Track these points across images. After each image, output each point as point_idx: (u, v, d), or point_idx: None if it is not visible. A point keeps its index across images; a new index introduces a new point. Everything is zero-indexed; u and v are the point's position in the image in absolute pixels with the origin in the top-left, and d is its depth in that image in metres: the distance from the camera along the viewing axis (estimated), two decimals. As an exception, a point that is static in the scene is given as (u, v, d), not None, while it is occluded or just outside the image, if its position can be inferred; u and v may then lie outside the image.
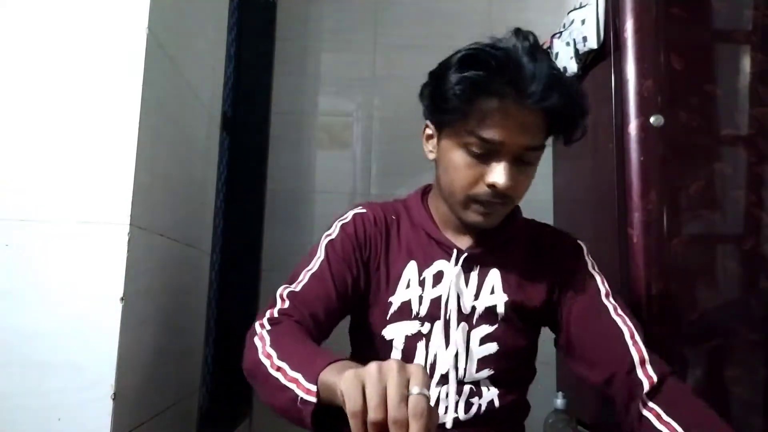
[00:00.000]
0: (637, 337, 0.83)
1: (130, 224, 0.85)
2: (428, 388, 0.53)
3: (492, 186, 0.81)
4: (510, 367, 0.91)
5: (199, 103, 1.21)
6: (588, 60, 1.53)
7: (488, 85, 0.77)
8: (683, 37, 1.32)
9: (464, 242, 0.93)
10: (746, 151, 1.29)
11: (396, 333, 0.89)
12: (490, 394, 0.89)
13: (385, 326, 0.90)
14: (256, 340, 0.78)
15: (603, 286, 0.91)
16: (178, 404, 1.14)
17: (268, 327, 0.79)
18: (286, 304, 0.84)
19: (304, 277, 0.87)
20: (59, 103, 0.86)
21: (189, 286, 1.22)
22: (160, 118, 0.97)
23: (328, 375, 0.62)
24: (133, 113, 0.87)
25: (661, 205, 1.26)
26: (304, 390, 0.64)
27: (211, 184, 1.36)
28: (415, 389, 0.52)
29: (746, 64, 1.33)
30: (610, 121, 1.38)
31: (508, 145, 0.79)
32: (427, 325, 0.89)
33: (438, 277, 0.90)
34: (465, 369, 0.88)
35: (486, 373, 0.89)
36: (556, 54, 1.67)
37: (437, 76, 0.85)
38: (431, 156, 0.92)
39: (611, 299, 0.89)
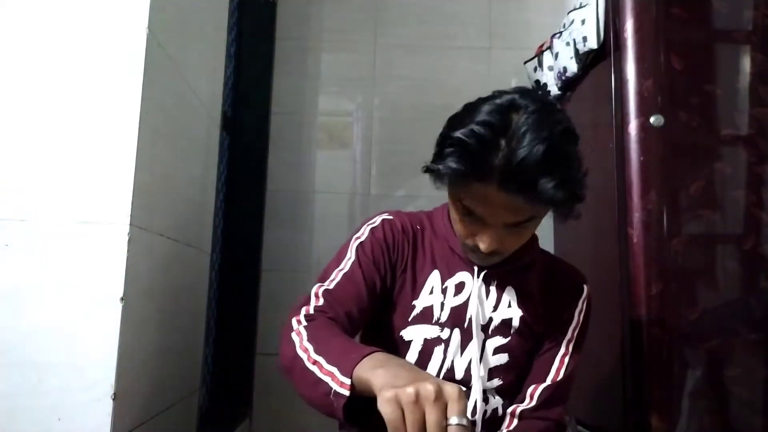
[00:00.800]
0: (543, 387, 0.93)
1: (130, 224, 0.85)
2: (465, 413, 0.55)
3: (477, 248, 0.84)
4: (516, 379, 0.95)
5: (199, 102, 1.21)
6: (588, 60, 1.54)
7: (473, 174, 0.77)
8: (683, 37, 1.32)
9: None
10: (746, 151, 1.29)
11: (415, 335, 0.92)
12: (496, 402, 0.93)
13: (405, 327, 0.93)
14: (293, 335, 0.78)
15: (572, 332, 0.96)
16: (178, 404, 1.14)
17: (304, 323, 0.81)
18: (321, 301, 0.85)
19: (337, 276, 0.90)
20: (59, 103, 0.86)
21: (189, 286, 1.22)
22: (160, 118, 0.97)
23: (362, 370, 0.64)
24: (133, 113, 0.87)
25: (661, 204, 1.26)
26: (339, 383, 0.66)
27: (211, 184, 1.36)
28: (453, 420, 0.54)
29: (746, 64, 1.33)
30: (610, 121, 1.38)
31: (490, 222, 0.80)
32: (447, 331, 0.92)
33: (459, 287, 0.93)
34: (477, 376, 0.91)
35: (496, 382, 0.92)
36: (557, 54, 1.67)
37: (439, 141, 0.85)
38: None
39: (569, 345, 0.96)
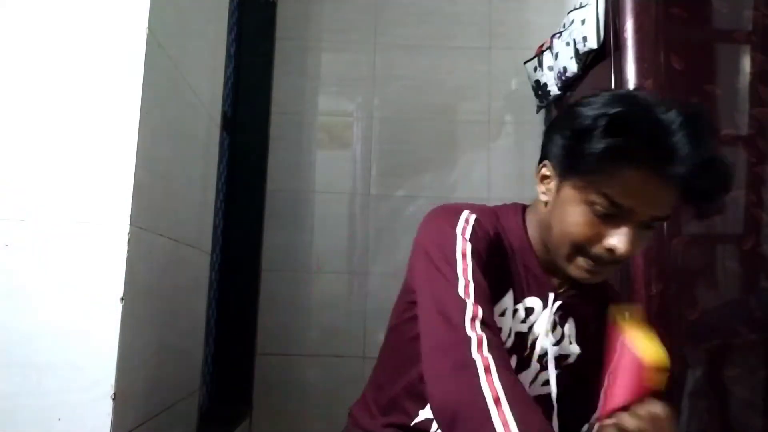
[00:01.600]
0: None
1: (130, 224, 0.85)
2: None
3: (610, 250, 0.75)
4: (553, 412, 0.88)
5: (199, 102, 1.21)
6: (588, 60, 1.54)
7: (633, 155, 0.71)
8: (683, 37, 1.32)
9: (555, 280, 0.88)
10: (746, 151, 1.29)
11: None
12: None
13: None
14: (480, 366, 0.67)
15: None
16: (178, 404, 1.14)
17: (487, 352, 0.68)
18: (479, 310, 0.73)
19: (468, 290, 0.75)
20: (59, 103, 0.86)
21: (189, 286, 1.22)
22: (160, 118, 0.97)
23: None
24: (133, 113, 0.87)
25: (661, 205, 1.26)
26: None
27: (211, 184, 1.36)
28: None
29: (746, 64, 1.33)
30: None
31: (638, 214, 0.74)
32: (514, 357, 0.84)
33: (528, 312, 0.86)
34: None
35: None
36: (557, 54, 1.67)
37: (579, 128, 0.75)
38: (544, 198, 0.84)
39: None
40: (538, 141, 0.88)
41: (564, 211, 0.78)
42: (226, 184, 1.86)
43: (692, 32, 1.34)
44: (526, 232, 0.87)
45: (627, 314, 0.66)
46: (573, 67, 1.59)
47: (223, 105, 1.49)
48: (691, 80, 1.31)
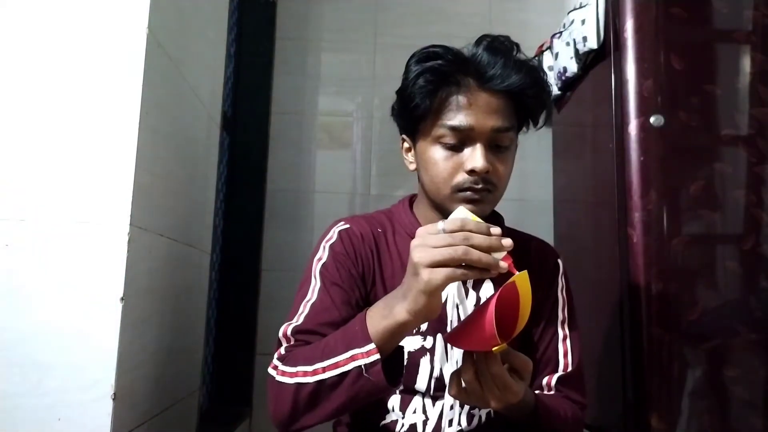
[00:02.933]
0: (555, 378, 0.91)
1: (130, 224, 0.85)
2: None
3: (472, 171, 0.82)
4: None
5: (199, 102, 1.21)
6: (588, 60, 1.54)
7: (447, 74, 0.81)
8: (683, 37, 1.32)
9: None
10: (746, 151, 1.30)
11: None
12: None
13: None
14: (280, 379, 0.76)
15: (563, 312, 0.95)
16: (178, 404, 1.14)
17: (280, 364, 0.79)
18: (292, 341, 0.83)
19: (305, 308, 0.85)
20: (59, 103, 0.86)
21: (189, 286, 1.22)
22: (160, 118, 0.97)
23: (375, 324, 0.66)
24: (133, 113, 0.87)
25: (661, 204, 1.26)
26: (364, 355, 0.66)
27: (211, 184, 1.36)
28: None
29: (746, 64, 1.33)
30: (610, 121, 1.38)
31: (477, 129, 0.81)
32: (430, 339, 0.88)
33: None
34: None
35: None
36: (557, 54, 1.67)
37: (402, 88, 0.88)
38: (412, 167, 0.93)
39: (564, 327, 0.94)
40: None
41: (425, 159, 0.86)
42: (226, 184, 1.86)
43: (692, 32, 1.34)
44: (414, 216, 0.94)
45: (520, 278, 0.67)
46: (573, 67, 1.59)
47: (223, 105, 1.49)
48: (691, 80, 1.31)
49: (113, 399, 0.81)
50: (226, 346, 1.79)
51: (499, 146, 0.84)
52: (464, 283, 0.90)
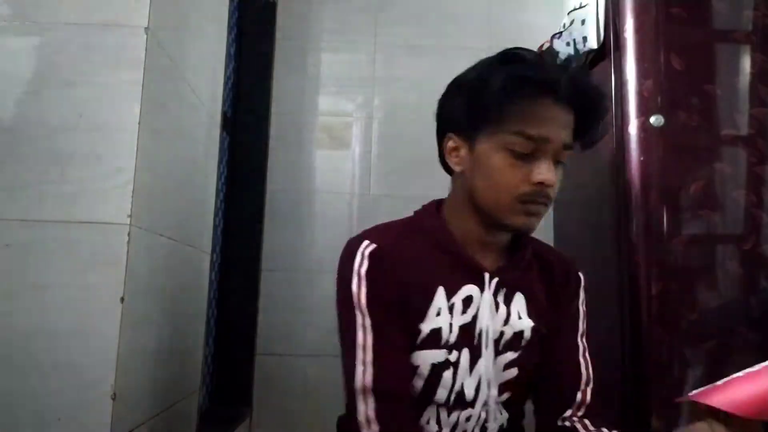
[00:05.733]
0: (589, 387, 0.89)
1: (130, 224, 0.85)
2: None
3: (539, 183, 0.79)
4: (524, 391, 0.91)
5: (199, 102, 1.21)
6: (588, 60, 1.54)
7: (531, 82, 0.78)
8: (683, 37, 1.32)
9: (489, 261, 0.89)
10: (746, 151, 1.30)
11: (422, 361, 0.84)
12: (502, 418, 0.89)
13: (412, 352, 0.84)
14: None
15: (582, 325, 0.93)
16: (177, 404, 1.14)
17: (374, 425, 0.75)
18: (371, 405, 0.77)
19: (365, 356, 0.79)
20: (60, 103, 0.86)
21: (189, 286, 1.22)
22: (160, 118, 0.97)
23: None
24: (134, 113, 0.87)
25: (660, 204, 1.26)
26: None
27: (211, 184, 1.36)
28: None
29: (746, 64, 1.33)
30: (611, 120, 1.38)
31: (552, 141, 0.80)
32: (455, 353, 0.84)
33: (467, 302, 0.85)
34: (488, 394, 0.86)
35: (505, 396, 0.88)
36: (557, 54, 1.67)
37: (474, 82, 0.83)
38: (458, 168, 0.87)
39: (584, 340, 0.92)
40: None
41: (487, 165, 0.82)
42: (226, 184, 1.86)
43: (692, 32, 1.34)
44: (445, 224, 0.89)
45: None
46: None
47: (223, 105, 1.49)
48: (691, 80, 1.31)
49: (113, 399, 0.81)
50: (226, 347, 1.79)
51: (558, 161, 0.83)
52: (495, 297, 0.86)
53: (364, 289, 0.82)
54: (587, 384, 0.89)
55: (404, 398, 0.79)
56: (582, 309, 0.94)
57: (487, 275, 0.86)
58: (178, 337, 1.15)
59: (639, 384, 1.24)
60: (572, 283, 0.94)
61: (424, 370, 0.84)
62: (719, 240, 1.27)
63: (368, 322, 0.81)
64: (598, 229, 1.47)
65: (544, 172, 0.79)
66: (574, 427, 0.86)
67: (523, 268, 0.90)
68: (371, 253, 0.84)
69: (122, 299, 0.83)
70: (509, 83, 0.78)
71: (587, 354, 0.92)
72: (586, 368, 0.90)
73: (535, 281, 0.91)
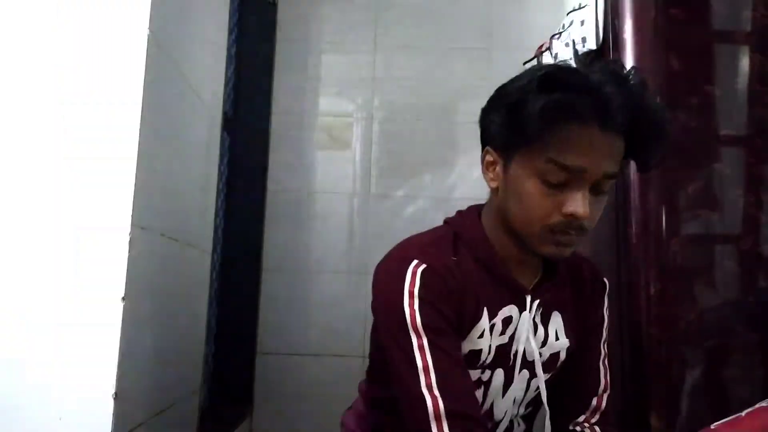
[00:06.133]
0: (606, 394, 0.88)
1: (132, 224, 0.86)
2: None
3: (570, 216, 0.73)
4: (539, 406, 0.89)
5: (200, 103, 1.22)
6: (587, 61, 1.54)
7: (572, 109, 0.71)
8: (682, 38, 1.33)
9: (526, 278, 0.85)
10: (745, 151, 1.30)
11: None
12: (519, 429, 0.89)
13: None
14: None
15: (605, 332, 0.91)
16: (178, 403, 1.15)
17: None
18: (446, 425, 0.72)
19: (429, 376, 0.74)
20: (61, 104, 0.87)
21: (190, 286, 1.22)
22: (161, 119, 0.97)
23: None
24: (135, 114, 0.87)
25: (659, 204, 1.26)
26: None
27: (212, 184, 1.36)
28: None
29: (745, 64, 1.33)
30: (610, 121, 1.38)
31: (590, 172, 0.72)
32: (488, 372, 0.82)
33: (506, 323, 0.82)
34: (516, 413, 0.86)
35: (528, 411, 0.88)
36: (556, 55, 1.68)
37: (513, 100, 0.76)
38: (493, 185, 0.82)
39: (605, 347, 0.90)
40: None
41: (518, 189, 0.77)
42: (227, 184, 1.87)
43: (691, 33, 1.34)
44: (486, 237, 0.84)
45: None
46: (572, 68, 1.59)
47: (224, 105, 1.50)
48: (690, 81, 1.31)
49: (114, 398, 0.82)
50: (227, 346, 1.79)
51: (600, 190, 0.76)
52: (533, 318, 0.83)
53: (418, 309, 0.76)
54: (605, 390, 0.88)
55: (476, 416, 0.75)
56: (606, 315, 0.92)
57: (528, 297, 0.83)
58: (179, 336, 1.15)
59: (638, 384, 1.24)
60: (598, 291, 0.92)
61: None
62: (718, 240, 1.28)
63: (426, 343, 0.75)
64: (598, 229, 1.47)
65: (579, 204, 0.73)
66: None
67: (558, 285, 0.87)
68: (423, 272, 0.78)
69: (123, 298, 0.84)
70: (548, 108, 0.71)
71: (606, 361, 0.90)
72: (605, 375, 0.89)
73: (569, 297, 0.88)
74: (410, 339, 0.75)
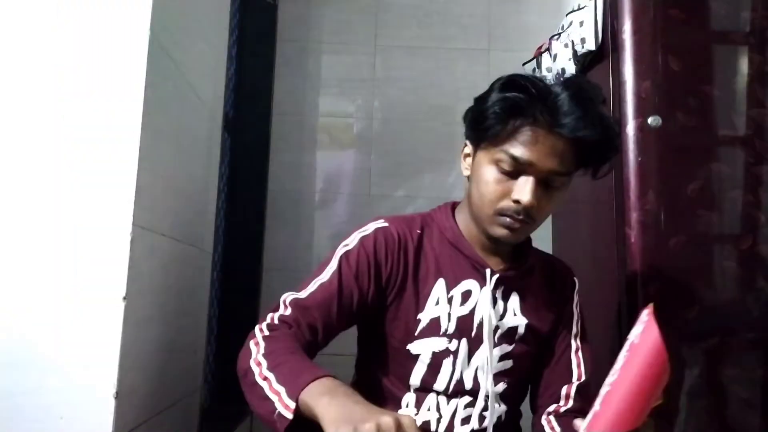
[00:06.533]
0: (576, 383, 0.95)
1: (133, 224, 0.86)
2: None
3: (516, 202, 0.85)
4: (519, 384, 0.96)
5: (201, 103, 1.22)
6: (586, 62, 1.54)
7: (524, 108, 0.83)
8: (681, 39, 1.33)
9: (493, 262, 0.95)
10: (743, 151, 1.30)
11: (423, 348, 0.90)
12: (500, 409, 0.93)
13: (411, 341, 0.91)
14: (252, 344, 0.80)
15: (576, 326, 0.99)
16: (179, 403, 1.15)
17: (266, 332, 0.81)
18: (288, 311, 0.85)
19: (312, 286, 0.88)
20: (62, 104, 0.87)
21: (191, 286, 1.22)
22: (162, 119, 0.97)
23: (309, 395, 0.66)
24: (136, 114, 0.88)
25: (659, 205, 1.27)
26: (284, 405, 0.67)
27: (212, 184, 1.37)
28: None
29: (744, 65, 1.33)
30: (609, 121, 1.38)
31: (536, 166, 0.84)
32: (455, 342, 0.90)
33: (466, 296, 0.92)
34: (485, 384, 0.91)
35: (501, 387, 0.93)
36: (555, 55, 1.68)
37: (480, 97, 0.90)
38: (466, 173, 0.96)
39: (577, 339, 0.98)
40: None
41: (479, 174, 0.89)
42: (228, 185, 1.87)
43: (690, 34, 1.34)
44: (456, 223, 0.96)
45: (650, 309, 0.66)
46: (571, 69, 1.59)
47: (225, 106, 1.50)
48: (689, 81, 1.31)
49: (115, 397, 0.82)
50: (228, 345, 1.80)
51: (550, 185, 0.86)
52: (494, 293, 0.92)
53: (350, 247, 0.91)
54: (578, 380, 0.95)
55: (302, 329, 0.83)
56: (576, 311, 1.00)
57: (488, 271, 0.92)
58: (180, 335, 1.15)
59: (637, 383, 1.24)
60: (568, 287, 1.01)
61: (426, 357, 0.90)
62: (717, 240, 1.28)
63: (333, 269, 0.89)
64: (597, 229, 1.48)
65: (523, 191, 0.84)
66: (542, 426, 0.93)
67: (523, 272, 0.96)
68: (377, 229, 0.93)
69: (124, 298, 0.84)
70: (500, 106, 0.84)
71: (580, 353, 0.97)
72: (578, 366, 0.96)
73: (535, 285, 0.98)
74: (330, 261, 0.91)
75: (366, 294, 0.89)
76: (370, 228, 0.94)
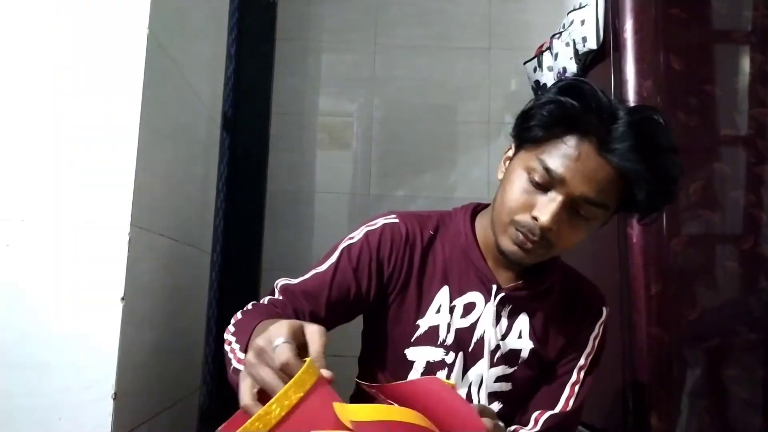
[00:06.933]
0: (552, 414, 0.86)
1: (131, 224, 0.85)
2: (322, 354, 0.53)
3: (534, 219, 0.76)
4: (518, 405, 0.90)
5: (200, 103, 1.22)
6: (587, 60, 1.54)
7: (576, 119, 0.74)
8: (682, 38, 1.33)
9: (504, 277, 0.87)
10: (745, 151, 1.30)
11: (419, 356, 0.86)
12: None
13: (408, 347, 0.86)
14: (239, 315, 0.80)
15: (586, 359, 0.90)
16: (178, 404, 1.15)
17: (248, 307, 0.81)
18: (277, 295, 0.85)
19: (308, 274, 0.85)
20: (60, 103, 0.86)
21: (189, 286, 1.22)
22: (160, 119, 0.97)
23: (252, 341, 0.61)
24: (134, 113, 0.87)
25: (660, 205, 1.26)
26: (237, 359, 0.66)
27: (211, 184, 1.36)
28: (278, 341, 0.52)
29: (745, 64, 1.33)
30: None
31: (567, 185, 0.75)
32: (452, 354, 0.85)
33: (468, 309, 0.86)
34: (478, 401, 0.86)
35: (496, 407, 0.87)
36: (556, 54, 1.68)
37: (537, 101, 0.81)
38: (500, 175, 0.86)
39: (581, 373, 0.89)
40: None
41: (509, 177, 0.81)
42: (227, 184, 1.87)
43: (692, 33, 1.34)
44: (472, 230, 0.88)
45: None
46: (572, 68, 1.59)
47: (224, 105, 1.50)
48: (690, 80, 1.31)
49: (114, 399, 0.82)
50: (227, 346, 1.79)
51: (579, 213, 0.77)
52: (498, 309, 0.86)
53: (354, 240, 0.86)
54: (560, 410, 0.87)
55: (286, 310, 0.82)
56: (592, 343, 0.90)
57: (494, 287, 0.85)
58: (179, 336, 1.15)
59: (639, 384, 1.24)
60: (590, 315, 0.91)
61: (420, 365, 0.86)
62: (718, 240, 1.28)
63: (333, 260, 0.85)
64: (597, 229, 1.47)
65: (545, 210, 0.75)
66: None
67: (540, 293, 0.87)
68: (386, 224, 0.87)
69: (123, 299, 0.84)
70: (551, 110, 0.75)
71: (577, 387, 0.88)
72: (567, 398, 0.87)
73: (552, 308, 0.89)
74: (332, 253, 0.86)
75: (365, 289, 0.84)
76: (378, 222, 0.88)
